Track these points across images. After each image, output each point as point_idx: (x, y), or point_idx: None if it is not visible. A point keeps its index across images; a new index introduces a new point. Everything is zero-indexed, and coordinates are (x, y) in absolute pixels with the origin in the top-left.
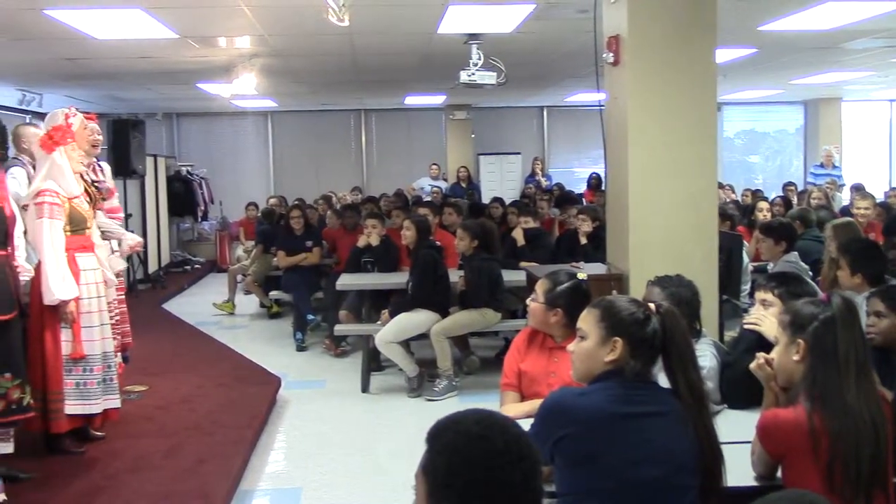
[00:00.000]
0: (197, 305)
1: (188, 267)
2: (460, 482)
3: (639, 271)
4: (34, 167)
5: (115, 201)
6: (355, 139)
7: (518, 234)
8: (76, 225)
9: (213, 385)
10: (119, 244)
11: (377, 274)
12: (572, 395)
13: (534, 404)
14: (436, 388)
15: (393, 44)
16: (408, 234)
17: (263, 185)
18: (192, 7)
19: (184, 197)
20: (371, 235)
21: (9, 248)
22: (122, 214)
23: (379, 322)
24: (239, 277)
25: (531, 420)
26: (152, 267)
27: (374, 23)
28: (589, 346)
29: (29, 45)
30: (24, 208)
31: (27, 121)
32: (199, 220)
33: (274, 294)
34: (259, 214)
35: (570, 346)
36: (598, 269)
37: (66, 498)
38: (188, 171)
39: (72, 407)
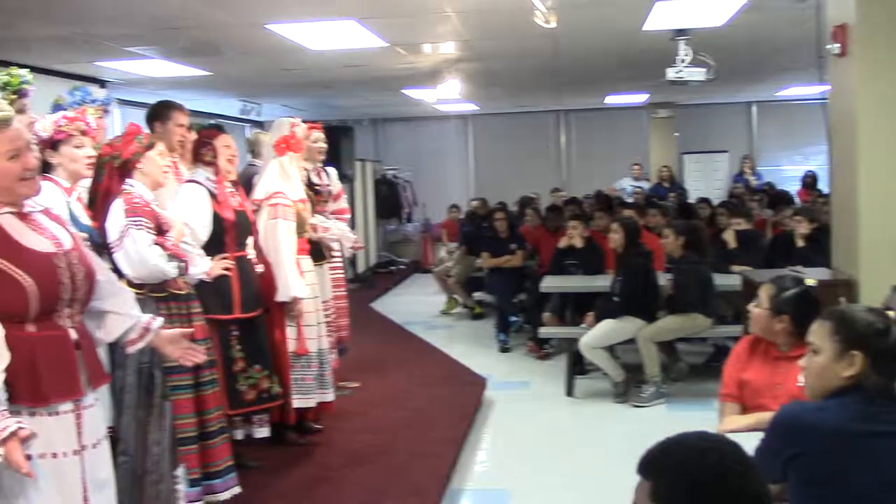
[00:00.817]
0: (403, 305)
1: (393, 267)
2: (704, 499)
3: (871, 277)
4: None
5: (342, 203)
6: (554, 140)
7: (729, 236)
8: (298, 228)
9: (422, 384)
10: (341, 245)
11: (581, 276)
12: (809, 411)
13: (759, 417)
14: (642, 395)
15: (596, 43)
16: (615, 238)
17: (465, 187)
18: (403, 16)
19: (389, 200)
20: (574, 237)
21: (247, 250)
22: (348, 216)
23: (583, 325)
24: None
25: (754, 434)
26: (361, 267)
27: (579, 23)
28: (823, 362)
29: (252, 58)
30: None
31: (247, 130)
32: (404, 221)
33: (477, 295)
34: (461, 216)
35: (802, 362)
36: (821, 274)
37: (289, 486)
38: (393, 175)
39: (296, 400)
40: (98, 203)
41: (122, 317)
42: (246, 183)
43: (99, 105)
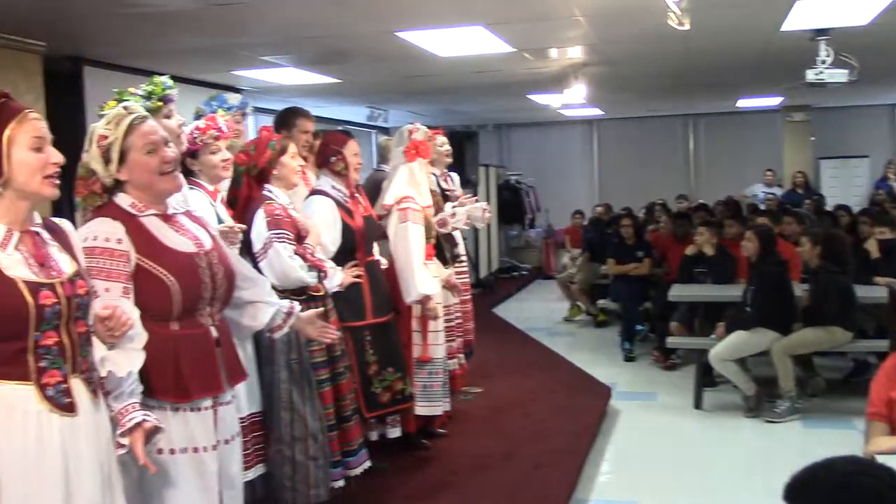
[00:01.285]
0: (525, 311)
1: (515, 273)
2: None
3: None
4: None
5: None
6: (682, 145)
7: (872, 246)
8: (425, 234)
9: (546, 391)
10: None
11: (711, 285)
12: None
13: None
14: (776, 410)
15: (730, 45)
16: (749, 246)
17: (588, 193)
18: (531, 20)
19: (512, 205)
20: (704, 245)
21: (374, 253)
22: None
23: (713, 336)
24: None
25: None
26: (483, 272)
27: (712, 24)
28: None
29: (381, 65)
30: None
31: (373, 136)
32: (527, 227)
33: (601, 302)
34: (585, 222)
35: None
36: None
37: (416, 489)
38: (516, 180)
39: (420, 408)
40: (239, 208)
41: (266, 305)
42: (374, 187)
43: (236, 111)
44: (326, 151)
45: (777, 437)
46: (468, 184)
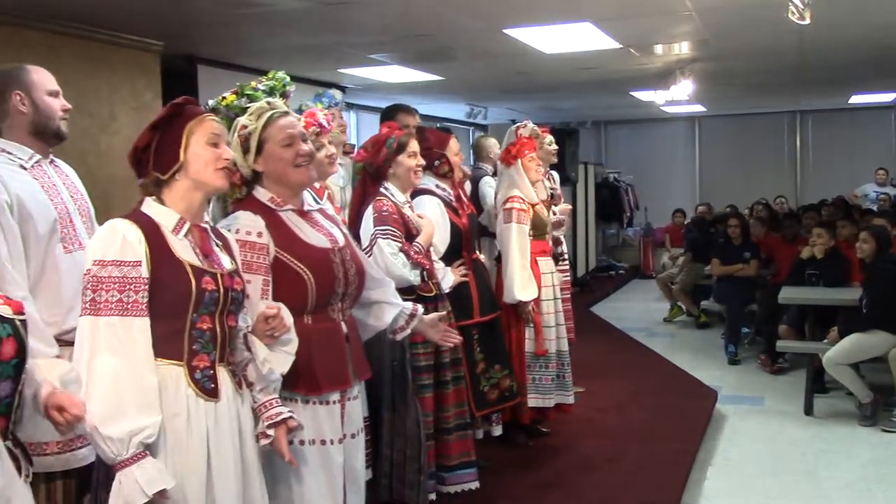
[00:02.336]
0: (622, 311)
1: (612, 272)
2: None
3: None
4: (494, 174)
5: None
6: (788, 142)
7: None
8: (538, 230)
9: (647, 393)
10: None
11: (823, 288)
12: None
13: None
14: (894, 419)
15: (848, 38)
16: (865, 247)
17: (689, 192)
18: (641, 16)
19: (610, 203)
20: (816, 246)
21: (478, 252)
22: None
23: (825, 341)
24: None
25: None
26: (580, 271)
27: (832, 17)
28: None
29: (485, 62)
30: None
31: (471, 133)
32: (625, 226)
33: (704, 304)
34: (687, 222)
35: None
36: None
37: (522, 488)
38: (615, 178)
39: (532, 400)
40: (355, 205)
41: (390, 305)
42: (472, 185)
43: (339, 106)
44: (430, 155)
45: (895, 447)
46: (567, 182)
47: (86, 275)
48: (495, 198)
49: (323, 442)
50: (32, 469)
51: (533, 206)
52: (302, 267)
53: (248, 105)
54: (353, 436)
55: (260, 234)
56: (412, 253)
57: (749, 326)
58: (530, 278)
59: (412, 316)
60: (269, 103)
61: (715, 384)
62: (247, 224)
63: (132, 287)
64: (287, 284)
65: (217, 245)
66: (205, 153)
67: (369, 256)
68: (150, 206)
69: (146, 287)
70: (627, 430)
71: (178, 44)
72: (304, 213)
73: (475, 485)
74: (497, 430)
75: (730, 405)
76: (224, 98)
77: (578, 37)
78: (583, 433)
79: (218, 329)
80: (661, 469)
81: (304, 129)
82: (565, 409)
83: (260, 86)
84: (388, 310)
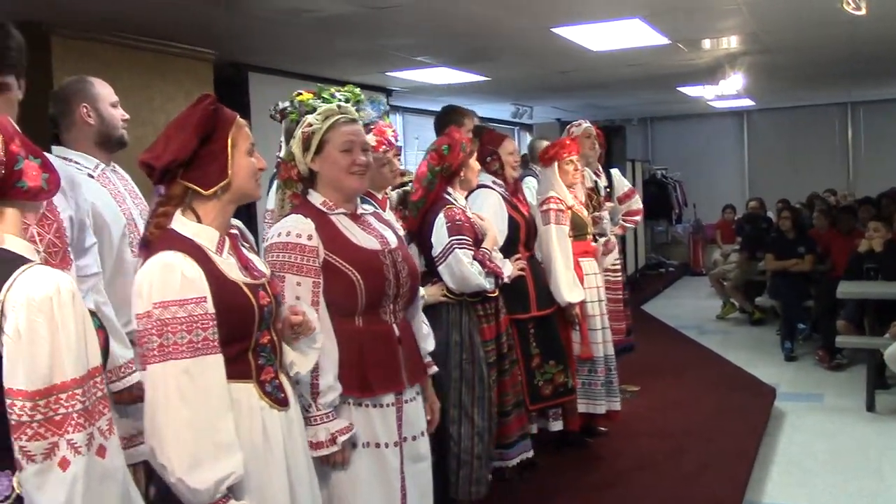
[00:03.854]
0: (674, 308)
1: (662, 269)
2: None
3: None
4: None
5: (634, 203)
6: (840, 134)
7: None
8: (578, 231)
9: (704, 391)
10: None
11: (882, 282)
12: None
13: None
14: None
15: None
16: None
17: (738, 187)
18: (691, 11)
19: (658, 200)
20: (874, 239)
21: (532, 250)
22: (638, 218)
23: (887, 335)
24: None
25: None
26: (630, 269)
27: (886, 8)
28: None
29: (531, 61)
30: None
31: (516, 133)
32: (673, 222)
33: (758, 300)
34: (739, 217)
35: None
36: None
37: (580, 488)
38: (662, 175)
39: (581, 405)
40: (423, 211)
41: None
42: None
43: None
44: (483, 151)
45: None
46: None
47: (142, 318)
48: (536, 193)
49: (378, 445)
50: None
51: (571, 206)
52: (351, 269)
53: (320, 105)
54: (413, 438)
55: (310, 237)
56: (486, 261)
57: (805, 322)
58: (575, 279)
59: None
60: (339, 107)
61: (772, 381)
62: (297, 227)
63: (200, 325)
64: (337, 286)
65: (245, 247)
66: (248, 164)
67: (441, 265)
68: (184, 226)
69: (214, 322)
70: (686, 428)
71: (229, 52)
72: (356, 217)
73: (530, 453)
74: (556, 426)
75: (788, 402)
76: (300, 94)
77: (627, 34)
78: (640, 432)
79: (275, 338)
80: (723, 467)
81: (366, 140)
82: (613, 416)
83: (338, 94)
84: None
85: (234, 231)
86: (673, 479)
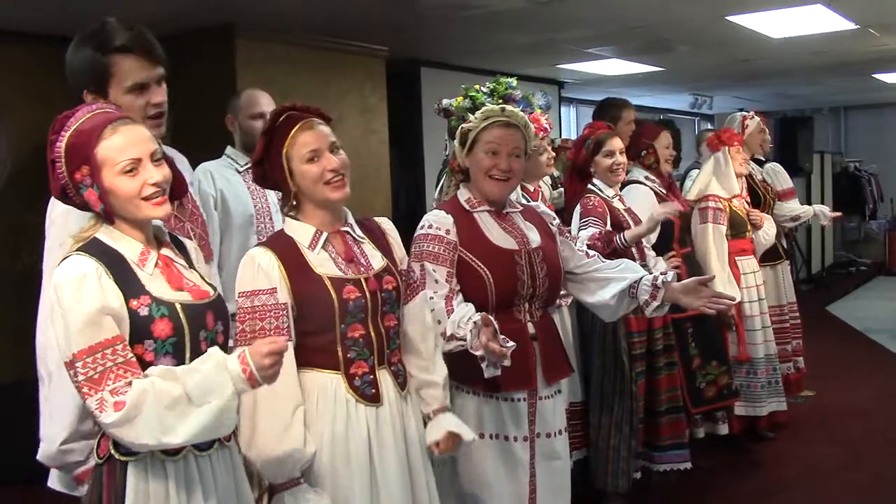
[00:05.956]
0: (864, 310)
1: (853, 268)
2: None
3: None
4: None
5: (790, 203)
6: None
7: None
8: (736, 229)
9: (890, 400)
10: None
11: None
12: None
13: None
14: None
15: None
16: None
17: None
18: None
19: (850, 194)
20: None
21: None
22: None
23: None
24: None
25: None
26: (815, 267)
27: None
28: None
29: (708, 51)
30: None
31: (696, 123)
32: (867, 218)
33: None
34: None
35: None
36: None
37: (741, 495)
38: (855, 167)
39: (739, 408)
40: (568, 202)
41: (617, 281)
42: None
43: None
44: (638, 145)
45: None
46: (800, 172)
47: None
48: (694, 186)
49: (506, 438)
50: None
51: (730, 200)
52: (482, 266)
53: (470, 107)
54: (548, 435)
55: (448, 231)
56: (615, 240)
57: None
58: (730, 279)
59: (656, 287)
60: (503, 110)
61: None
62: (438, 221)
63: (272, 314)
64: (469, 282)
65: (366, 243)
66: (308, 173)
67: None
68: (289, 225)
69: (285, 312)
70: (865, 436)
71: (402, 47)
72: (500, 215)
73: (687, 465)
74: (722, 430)
75: None
76: (466, 91)
77: (808, 19)
78: (813, 440)
79: (373, 334)
80: None
81: (518, 145)
82: (779, 418)
83: (483, 88)
84: (614, 285)
85: (346, 228)
86: (844, 490)
